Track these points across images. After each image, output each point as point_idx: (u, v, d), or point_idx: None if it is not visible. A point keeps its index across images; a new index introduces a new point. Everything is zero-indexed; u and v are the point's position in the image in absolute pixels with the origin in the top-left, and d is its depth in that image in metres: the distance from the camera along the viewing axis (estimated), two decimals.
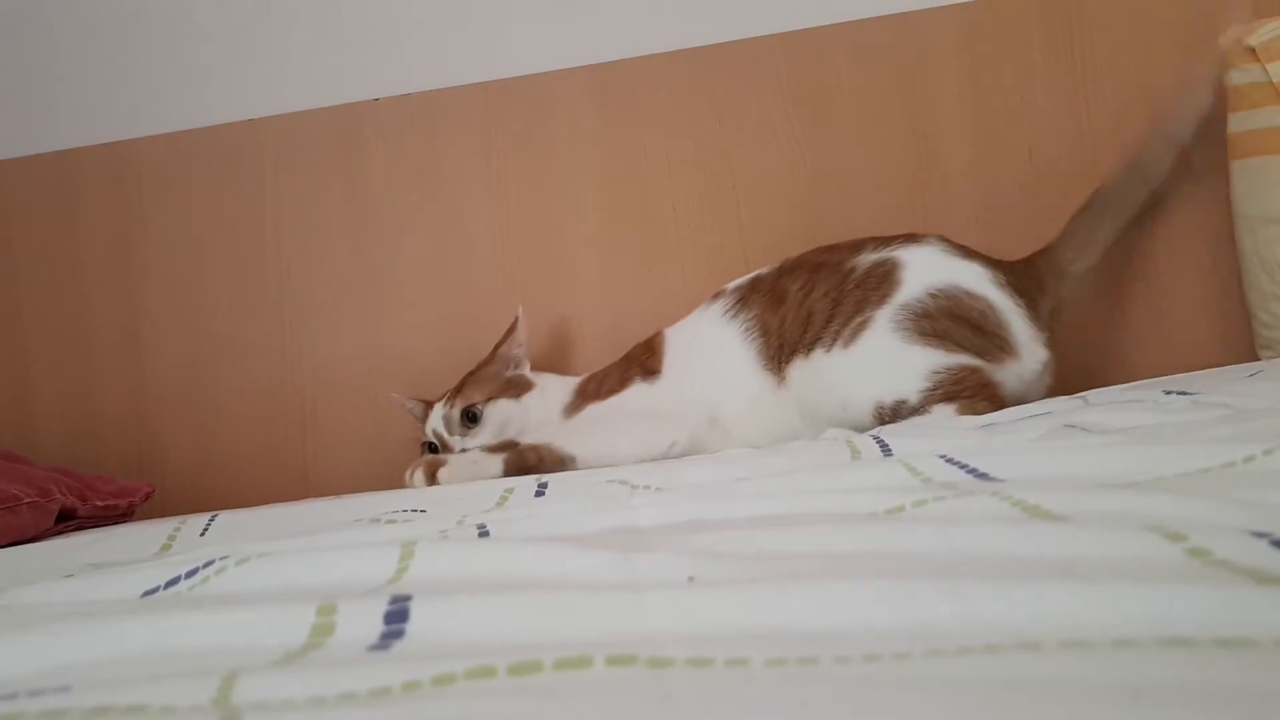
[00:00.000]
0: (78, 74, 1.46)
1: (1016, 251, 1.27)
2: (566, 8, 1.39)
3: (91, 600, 0.50)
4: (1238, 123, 1.13)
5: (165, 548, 0.77)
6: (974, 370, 1.00)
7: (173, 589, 0.49)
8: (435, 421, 1.18)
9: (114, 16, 1.45)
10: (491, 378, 1.20)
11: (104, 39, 1.45)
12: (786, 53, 1.33)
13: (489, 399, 1.16)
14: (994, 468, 0.58)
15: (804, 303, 1.07)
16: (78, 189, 1.42)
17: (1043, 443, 0.68)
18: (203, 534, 0.80)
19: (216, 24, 1.44)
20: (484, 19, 1.39)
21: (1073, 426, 0.72)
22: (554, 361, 1.33)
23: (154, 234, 1.41)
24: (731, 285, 1.16)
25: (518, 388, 1.19)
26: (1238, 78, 1.12)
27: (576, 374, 1.25)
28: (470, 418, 1.15)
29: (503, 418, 1.16)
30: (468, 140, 1.37)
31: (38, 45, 1.46)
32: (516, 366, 1.23)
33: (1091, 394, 0.96)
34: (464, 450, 1.11)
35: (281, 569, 0.49)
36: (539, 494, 0.78)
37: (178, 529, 0.81)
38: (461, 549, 0.50)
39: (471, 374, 1.21)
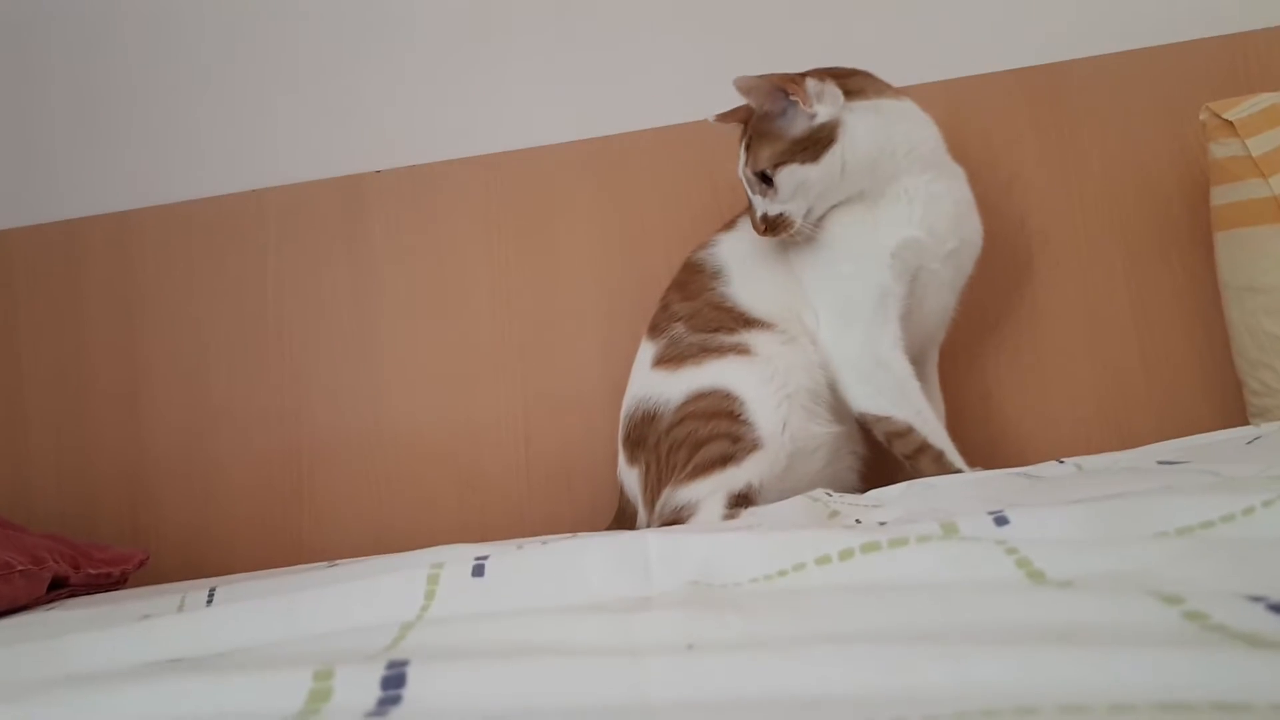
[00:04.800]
0: (81, 145, 1.49)
1: (1014, 321, 1.29)
2: (565, 82, 1.42)
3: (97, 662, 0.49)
4: (1220, 195, 1.15)
5: None
6: None
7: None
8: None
9: (117, 88, 1.48)
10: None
11: (107, 110, 1.48)
12: None
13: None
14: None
15: None
16: (81, 258, 1.43)
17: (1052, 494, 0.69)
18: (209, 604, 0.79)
19: (219, 96, 1.47)
20: (484, 93, 1.43)
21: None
22: (552, 429, 1.33)
23: (155, 303, 1.42)
24: None
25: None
26: (1218, 151, 1.14)
27: None
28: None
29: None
30: (469, 212, 1.39)
31: (42, 116, 1.49)
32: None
33: (1085, 460, 0.96)
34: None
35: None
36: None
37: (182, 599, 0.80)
38: (461, 616, 0.50)
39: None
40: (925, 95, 1.33)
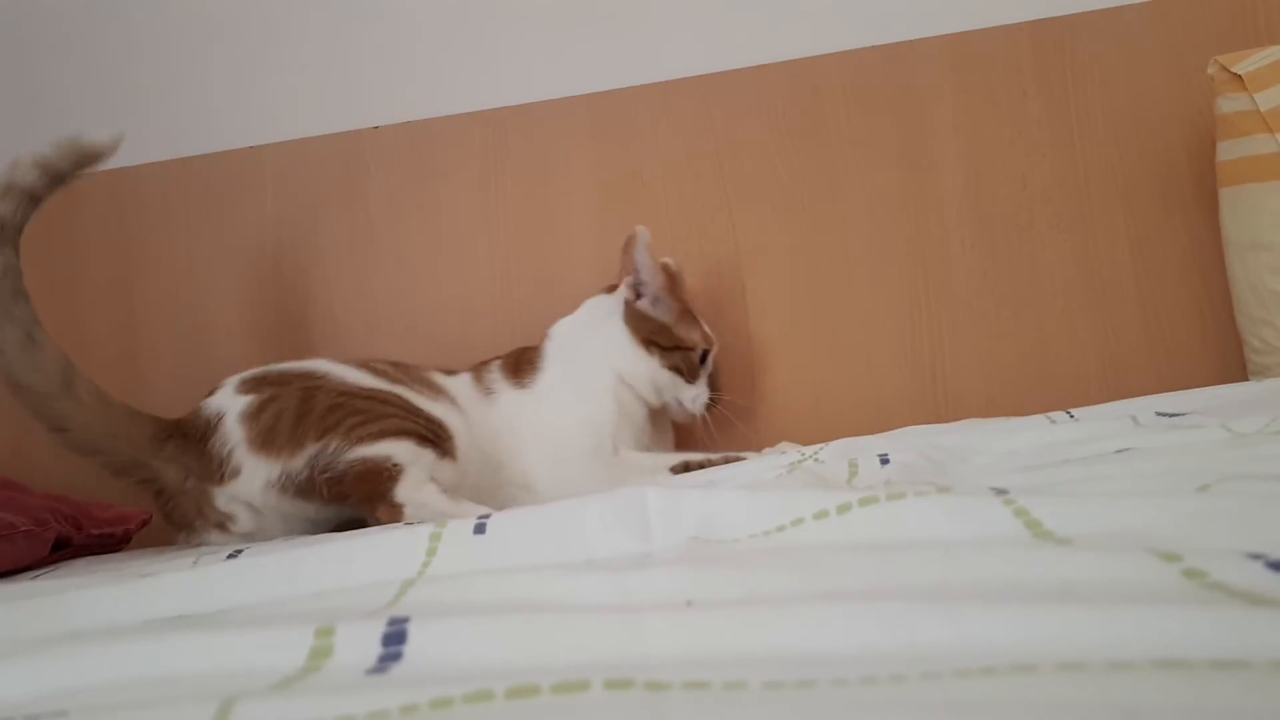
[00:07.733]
0: (78, 100, 1.47)
1: (1011, 279, 1.28)
2: (565, 37, 1.40)
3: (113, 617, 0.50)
4: (1226, 150, 1.14)
5: None
6: None
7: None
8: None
9: (115, 44, 1.46)
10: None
11: (105, 66, 1.46)
12: (782, 82, 1.34)
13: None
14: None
15: None
16: (79, 214, 1.42)
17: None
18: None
19: (218, 51, 1.45)
20: (483, 48, 1.41)
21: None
22: None
23: (154, 259, 1.41)
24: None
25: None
26: (1226, 106, 1.13)
27: None
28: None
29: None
30: (467, 168, 1.38)
31: (39, 73, 1.47)
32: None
33: (1081, 411, 0.96)
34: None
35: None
36: None
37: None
38: (460, 572, 0.50)
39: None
40: (933, 48, 1.32)
